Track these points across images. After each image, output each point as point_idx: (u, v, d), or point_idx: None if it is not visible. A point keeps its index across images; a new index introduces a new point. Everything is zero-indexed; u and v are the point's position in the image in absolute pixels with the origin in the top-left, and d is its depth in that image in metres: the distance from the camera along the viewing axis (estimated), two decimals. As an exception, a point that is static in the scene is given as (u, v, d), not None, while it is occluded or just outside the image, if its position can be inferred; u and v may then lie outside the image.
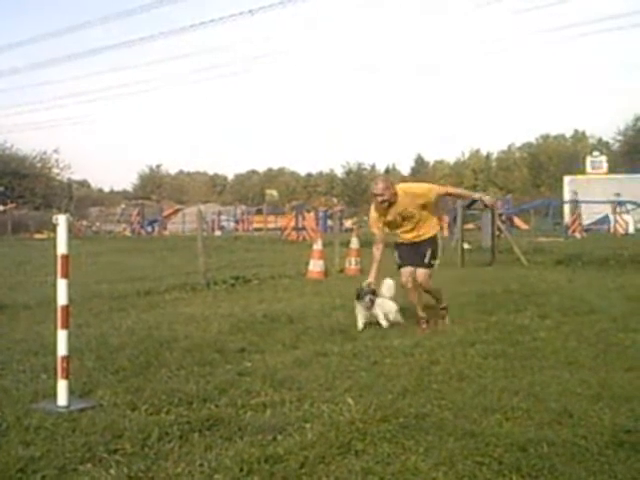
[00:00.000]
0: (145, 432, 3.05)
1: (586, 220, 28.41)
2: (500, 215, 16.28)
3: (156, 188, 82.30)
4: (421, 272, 5.86)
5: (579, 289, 8.41)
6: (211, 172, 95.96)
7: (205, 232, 13.96)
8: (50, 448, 2.89)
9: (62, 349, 3.62)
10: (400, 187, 5.82)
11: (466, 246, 13.76)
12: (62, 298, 3.64)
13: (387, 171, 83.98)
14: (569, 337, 5.27)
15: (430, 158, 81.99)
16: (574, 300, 7.29)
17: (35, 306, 7.10)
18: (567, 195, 34.50)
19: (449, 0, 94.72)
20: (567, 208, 31.12)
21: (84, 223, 38.67)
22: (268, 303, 7.48)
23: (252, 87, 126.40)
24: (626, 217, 27.30)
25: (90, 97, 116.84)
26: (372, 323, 5.81)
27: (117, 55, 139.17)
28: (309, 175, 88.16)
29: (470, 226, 21.44)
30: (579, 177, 37.15)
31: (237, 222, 39.18)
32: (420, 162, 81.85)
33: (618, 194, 28.95)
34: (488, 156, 77.19)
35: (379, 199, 5.72)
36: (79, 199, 50.63)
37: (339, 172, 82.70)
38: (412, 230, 5.87)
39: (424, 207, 5.82)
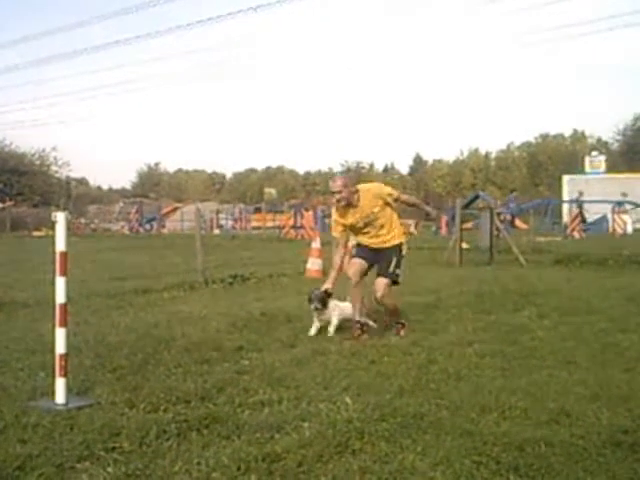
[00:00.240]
0: (143, 430, 3.05)
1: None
2: (499, 215, 16.27)
3: (154, 186, 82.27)
4: (381, 281, 5.44)
5: (577, 289, 8.42)
6: (210, 170, 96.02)
7: (203, 230, 13.97)
8: (48, 446, 2.89)
9: (60, 347, 3.62)
10: (360, 187, 5.51)
11: (464, 246, 13.76)
12: (60, 296, 3.64)
13: (386, 170, 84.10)
14: (567, 337, 5.28)
15: (429, 157, 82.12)
16: (572, 300, 7.30)
17: (33, 304, 7.09)
18: (566, 195, 34.48)
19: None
20: (566, 208, 31.10)
21: (82, 221, 38.57)
22: (266, 302, 7.48)
23: (251, 85, 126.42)
24: (624, 217, 27.30)
25: (89, 95, 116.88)
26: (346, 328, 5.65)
27: (116, 53, 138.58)
28: (308, 174, 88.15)
29: (468, 225, 21.41)
30: (578, 177, 37.15)
31: (235, 220, 39.12)
32: (419, 161, 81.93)
33: (625, 194, 28.89)
34: (487, 155, 77.26)
35: (337, 197, 5.41)
36: (77, 197, 50.60)
37: (338, 171, 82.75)
38: (376, 236, 5.54)
39: (386, 211, 5.50)
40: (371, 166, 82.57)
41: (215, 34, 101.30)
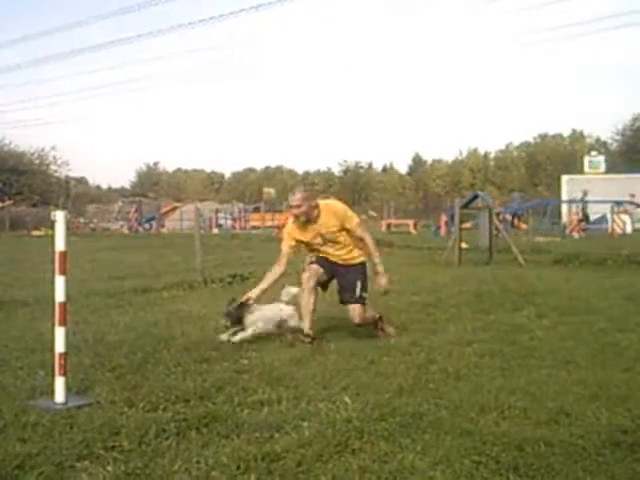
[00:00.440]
0: (142, 429, 3.05)
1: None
2: (498, 214, 16.27)
3: (153, 185, 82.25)
4: (355, 309, 5.18)
5: (576, 289, 8.42)
6: (208, 170, 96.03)
7: (202, 230, 13.96)
8: (47, 445, 2.88)
9: (60, 346, 3.61)
10: (321, 202, 5.17)
11: (464, 245, 13.77)
12: (60, 295, 3.63)
13: (384, 170, 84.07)
14: (566, 337, 5.28)
15: (428, 157, 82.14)
16: (571, 300, 7.30)
17: (33, 303, 7.08)
18: (565, 195, 34.48)
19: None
20: (565, 208, 31.11)
21: (81, 220, 38.57)
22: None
23: (250, 85, 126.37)
24: (623, 217, 27.32)
25: (88, 94, 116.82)
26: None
27: (115, 52, 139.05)
28: (307, 173, 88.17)
29: (467, 225, 21.41)
30: (577, 177, 37.16)
31: (234, 220, 39.13)
32: (418, 161, 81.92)
33: (633, 195, 28.85)
34: (486, 155, 77.30)
35: (294, 212, 5.07)
36: (77, 196, 50.61)
37: (336, 170, 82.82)
38: (334, 255, 5.23)
39: (347, 233, 5.18)
40: (370, 166, 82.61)
41: (214, 33, 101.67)
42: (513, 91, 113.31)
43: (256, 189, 72.98)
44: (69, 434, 3.02)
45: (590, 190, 29.53)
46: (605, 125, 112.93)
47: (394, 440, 2.96)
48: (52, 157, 53.60)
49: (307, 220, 5.10)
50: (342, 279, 5.28)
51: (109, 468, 2.65)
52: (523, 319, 6.13)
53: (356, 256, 5.29)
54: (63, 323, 3.64)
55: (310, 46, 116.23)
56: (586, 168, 37.90)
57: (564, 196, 34.61)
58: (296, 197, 5.04)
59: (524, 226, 27.05)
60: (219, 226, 37.15)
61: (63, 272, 3.64)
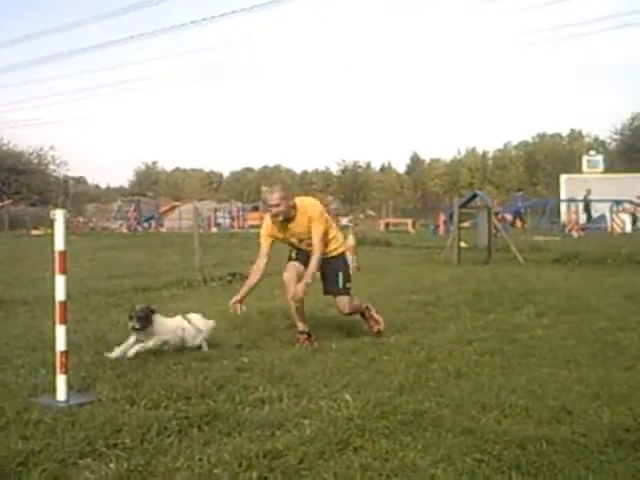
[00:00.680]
0: (144, 427, 3.06)
1: (583, 219, 28.44)
2: (496, 214, 16.27)
3: (152, 185, 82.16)
4: (342, 300, 5.19)
5: (576, 288, 8.41)
6: (207, 169, 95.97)
7: (201, 229, 13.95)
8: (50, 442, 2.89)
9: (61, 344, 3.62)
10: (298, 200, 5.12)
11: (462, 244, 13.77)
12: (60, 294, 3.63)
13: (382, 169, 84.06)
14: (567, 335, 5.28)
15: (426, 156, 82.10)
16: (571, 299, 7.29)
17: (33, 302, 7.09)
18: (564, 194, 34.47)
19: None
20: (564, 207, 31.13)
21: (81, 219, 38.57)
22: (265, 300, 7.47)
23: (248, 84, 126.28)
24: (623, 216, 27.33)
25: (86, 94, 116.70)
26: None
27: (113, 52, 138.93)
28: (305, 172, 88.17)
29: (466, 224, 21.41)
30: (576, 176, 37.18)
31: (233, 219, 39.12)
32: (416, 160, 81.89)
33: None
34: (484, 154, 77.27)
35: (273, 211, 5.00)
36: (76, 195, 50.61)
37: (335, 170, 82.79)
38: (310, 250, 5.14)
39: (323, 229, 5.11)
40: (368, 165, 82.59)
41: (213, 34, 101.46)
42: (511, 90, 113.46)
43: (254, 188, 72.95)
44: (71, 431, 3.03)
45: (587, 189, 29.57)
46: (603, 124, 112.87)
47: (395, 438, 2.97)
48: (51, 157, 53.64)
49: (284, 219, 5.05)
50: (324, 272, 5.25)
51: (112, 465, 2.66)
52: (523, 318, 6.13)
53: (334, 248, 5.27)
54: (64, 321, 3.64)
55: (309, 46, 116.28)
56: (584, 167, 37.90)
57: (563, 195, 34.60)
58: (275, 196, 4.97)
59: (519, 224, 27.05)
60: (218, 225, 37.14)
61: (63, 271, 3.63)
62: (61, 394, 3.52)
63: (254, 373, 4.10)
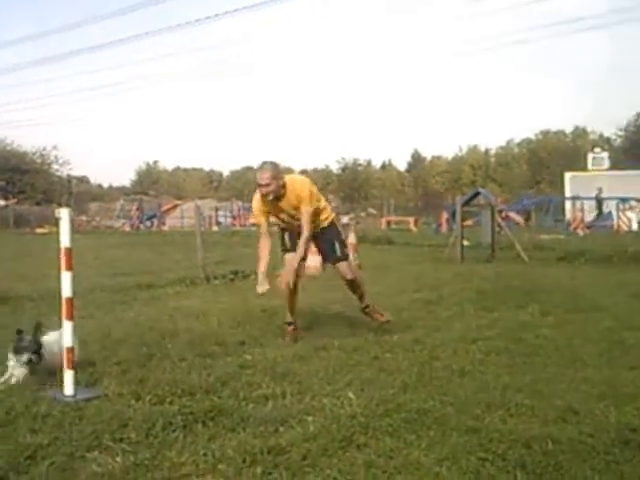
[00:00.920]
0: (150, 422, 3.07)
1: (588, 217, 28.38)
2: (500, 212, 16.24)
3: (153, 184, 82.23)
4: (343, 265, 5.25)
5: (582, 286, 8.35)
6: (207, 168, 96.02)
7: (203, 227, 13.97)
8: (58, 436, 2.92)
9: (67, 340, 3.64)
10: (287, 178, 5.08)
11: (465, 243, 13.76)
12: (66, 290, 3.65)
13: (383, 166, 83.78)
14: (572, 334, 5.23)
15: (427, 153, 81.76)
16: (577, 297, 7.24)
17: (39, 298, 7.11)
18: (568, 192, 34.39)
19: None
20: (569, 205, 31.05)
21: (84, 218, 38.66)
22: (267, 298, 7.40)
23: (248, 83, 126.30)
24: (629, 214, 27.25)
25: (87, 94, 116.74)
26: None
27: (113, 52, 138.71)
28: (304, 171, 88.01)
29: (469, 222, 21.37)
30: (580, 174, 37.04)
31: (234, 217, 39.16)
32: (417, 157, 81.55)
33: None
34: (486, 152, 76.93)
35: (263, 191, 4.95)
36: (79, 194, 50.71)
37: (335, 168, 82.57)
38: (298, 224, 5.14)
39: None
40: (368, 163, 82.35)
41: (212, 32, 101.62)
42: (514, 87, 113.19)
43: (254, 187, 72.73)
44: (79, 426, 3.05)
45: (593, 187, 29.51)
46: (608, 121, 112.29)
47: (399, 436, 2.96)
48: (54, 156, 53.96)
49: (274, 198, 5.03)
50: (319, 243, 5.31)
51: (118, 459, 2.68)
52: (528, 316, 6.09)
53: (324, 218, 5.29)
54: (70, 317, 3.66)
55: (309, 44, 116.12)
56: (590, 165, 37.76)
57: (567, 193, 34.50)
58: (265, 176, 4.92)
59: (523, 222, 26.95)
60: (219, 224, 37.17)
61: (69, 268, 3.66)
62: (68, 389, 3.55)
63: (257, 370, 4.11)
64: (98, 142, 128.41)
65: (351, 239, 11.83)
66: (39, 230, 29.11)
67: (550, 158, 67.57)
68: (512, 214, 27.85)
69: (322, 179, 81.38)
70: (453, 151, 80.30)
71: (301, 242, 5.07)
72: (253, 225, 34.10)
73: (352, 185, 74.48)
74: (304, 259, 5.21)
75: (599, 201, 28.63)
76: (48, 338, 4.01)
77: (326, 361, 4.36)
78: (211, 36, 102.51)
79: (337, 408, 3.34)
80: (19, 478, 2.53)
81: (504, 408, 3.33)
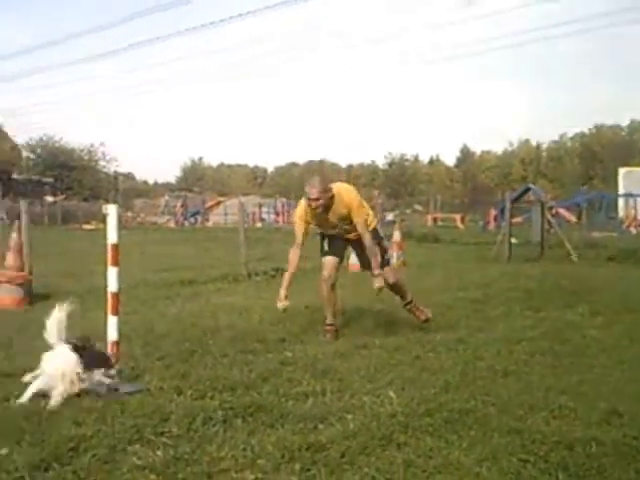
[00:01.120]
0: (190, 416, 3.11)
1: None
2: (550, 208, 15.87)
3: (197, 180, 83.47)
4: (385, 271, 5.18)
5: (632, 286, 8.14)
6: (252, 164, 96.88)
7: (246, 224, 14.08)
8: (101, 428, 2.97)
9: (112, 334, 3.71)
10: (336, 189, 5.03)
11: (513, 241, 13.50)
12: (112, 285, 3.72)
13: (431, 162, 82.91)
14: (621, 335, 5.12)
15: (477, 148, 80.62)
16: (627, 298, 7.05)
17: (85, 294, 7.26)
18: (622, 188, 33.32)
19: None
20: (622, 202, 30.10)
21: (129, 214, 39.47)
22: (309, 294, 7.46)
23: (293, 79, 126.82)
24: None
25: (135, 91, 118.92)
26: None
27: (160, 49, 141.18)
28: (350, 166, 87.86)
29: (518, 220, 20.96)
30: (636, 169, 35.82)
31: (277, 214, 39.39)
32: (466, 152, 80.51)
33: None
34: (538, 146, 75.28)
35: (313, 205, 4.93)
36: (125, 191, 51.75)
37: (381, 163, 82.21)
38: (347, 232, 5.22)
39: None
40: (416, 158, 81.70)
41: (257, 28, 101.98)
42: (568, 80, 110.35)
43: (299, 183, 73.11)
44: (121, 419, 3.10)
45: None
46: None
47: (439, 435, 2.94)
48: (101, 153, 55.12)
49: (324, 209, 5.01)
50: (360, 249, 5.29)
51: (159, 453, 2.71)
52: (575, 317, 5.97)
53: (367, 225, 5.23)
54: (116, 312, 3.73)
55: (356, 38, 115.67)
56: (646, 160, 36.47)
57: (621, 189, 33.42)
58: (314, 190, 4.91)
59: (573, 219, 26.29)
60: (262, 220, 37.46)
61: (116, 263, 3.72)
62: (112, 383, 3.58)
63: (298, 367, 4.12)
64: (144, 139, 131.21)
65: (395, 237, 11.74)
66: (86, 226, 29.82)
67: (604, 153, 65.68)
68: (562, 211, 27.21)
69: (368, 175, 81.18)
70: (503, 146, 79.01)
71: (368, 253, 5.10)
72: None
73: (399, 180, 73.99)
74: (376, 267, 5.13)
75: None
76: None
77: (367, 359, 4.35)
78: (255, 31, 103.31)
79: (377, 406, 3.33)
80: (62, 469, 2.58)
81: (547, 410, 3.27)
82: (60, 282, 8.33)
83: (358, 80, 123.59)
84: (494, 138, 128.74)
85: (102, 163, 55.54)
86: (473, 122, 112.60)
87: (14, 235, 7.01)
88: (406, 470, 2.59)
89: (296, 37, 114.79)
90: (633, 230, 24.22)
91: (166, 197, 48.02)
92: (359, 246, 5.27)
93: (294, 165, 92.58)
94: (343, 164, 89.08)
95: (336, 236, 5.25)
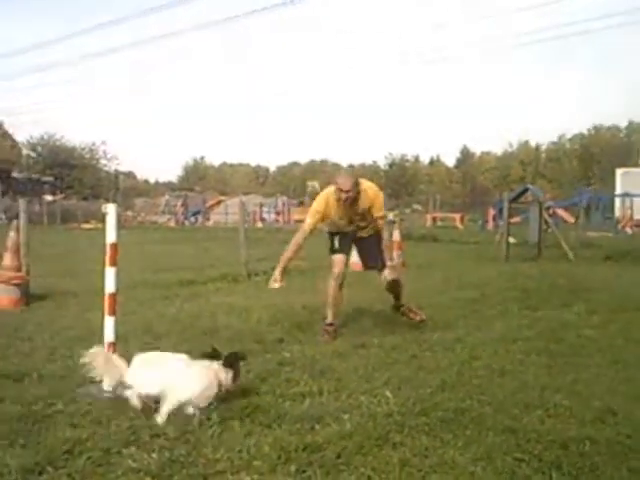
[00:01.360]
0: (187, 418, 3.11)
1: (638, 214, 27.54)
2: (547, 209, 15.92)
3: (199, 179, 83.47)
4: (387, 268, 5.28)
5: (628, 286, 8.18)
6: (253, 164, 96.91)
7: (247, 224, 14.07)
8: (96, 431, 2.97)
9: (109, 335, 3.70)
10: (362, 184, 5.21)
11: (511, 240, 13.53)
12: (110, 286, 3.72)
13: (431, 162, 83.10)
14: (616, 335, 5.15)
15: (476, 149, 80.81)
16: (622, 297, 7.10)
17: (83, 293, 7.27)
18: (619, 189, 33.41)
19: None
20: (618, 202, 30.18)
21: (130, 213, 39.43)
22: (308, 295, 7.49)
23: (294, 79, 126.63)
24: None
25: (136, 90, 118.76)
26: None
27: (159, 47, 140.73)
28: (351, 166, 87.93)
29: (516, 219, 20.99)
30: (632, 170, 35.91)
31: (278, 214, 39.35)
32: (466, 153, 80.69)
33: None
34: (537, 148, 75.54)
35: (344, 196, 5.05)
36: (125, 190, 51.68)
37: (382, 163, 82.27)
38: (359, 228, 5.36)
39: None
40: (416, 159, 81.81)
41: (257, 27, 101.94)
42: (567, 82, 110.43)
43: (301, 183, 73.25)
44: (117, 421, 3.10)
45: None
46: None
47: (435, 435, 2.96)
48: (102, 152, 55.07)
49: (350, 203, 5.13)
50: (365, 248, 5.43)
51: (154, 455, 2.72)
52: (571, 316, 6.00)
53: (372, 226, 5.39)
54: (113, 313, 3.73)
55: (355, 38, 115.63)
56: (643, 161, 36.60)
57: (618, 190, 33.50)
58: (349, 183, 5.06)
59: (567, 217, 26.32)
60: (263, 220, 37.44)
61: (114, 263, 3.71)
62: (108, 384, 3.54)
63: (296, 367, 4.13)
64: (146, 137, 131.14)
65: (395, 237, 11.74)
66: (85, 225, 29.77)
67: (602, 154, 65.95)
68: (560, 211, 27.25)
69: (369, 175, 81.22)
70: (503, 147, 79.19)
71: (382, 247, 5.34)
72: (298, 222, 34.29)
73: (399, 181, 74.00)
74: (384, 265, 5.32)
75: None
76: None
77: (365, 359, 4.37)
78: (254, 30, 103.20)
79: (374, 406, 3.35)
80: (57, 472, 2.58)
81: (542, 408, 3.30)
82: (58, 282, 8.31)
83: (359, 80, 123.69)
84: (494, 139, 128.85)
85: (103, 162, 55.62)
86: (473, 123, 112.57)
87: (12, 234, 6.97)
88: (402, 470, 2.61)
89: (297, 37, 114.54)
90: (629, 230, 24.24)
91: (167, 196, 47.99)
92: (366, 244, 5.39)
93: (296, 164, 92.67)
94: (344, 164, 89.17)
95: (347, 234, 5.35)
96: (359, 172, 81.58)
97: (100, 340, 3.80)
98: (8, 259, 6.89)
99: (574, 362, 4.30)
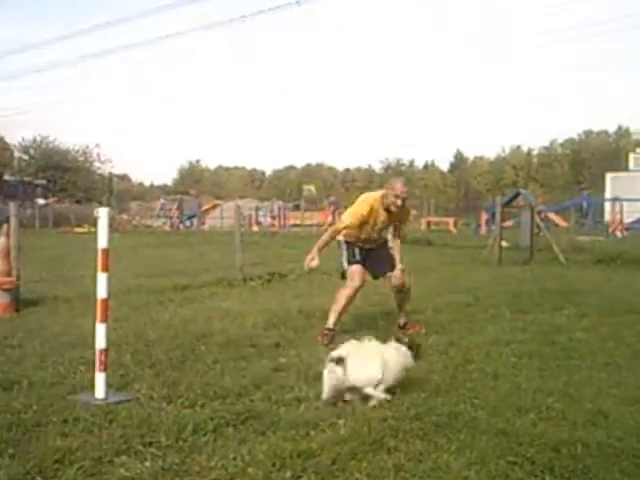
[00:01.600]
0: (180, 425, 3.09)
1: (628, 218, 27.69)
2: (539, 213, 15.97)
3: (195, 183, 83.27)
4: (399, 271, 5.40)
5: (618, 289, 8.22)
6: (249, 167, 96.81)
7: (243, 227, 14.04)
8: (87, 439, 2.93)
9: (101, 342, 3.67)
10: None
11: (504, 244, 13.57)
12: (102, 292, 3.69)
13: (426, 167, 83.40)
14: (607, 338, 5.19)
15: (470, 154, 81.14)
16: (613, 300, 7.14)
17: (75, 299, 7.21)
18: (609, 193, 33.66)
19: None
20: (608, 206, 30.36)
21: (124, 217, 39.26)
22: (304, 299, 7.50)
23: (291, 83, 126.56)
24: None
25: (132, 92, 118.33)
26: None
27: (155, 50, 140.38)
28: (347, 170, 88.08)
29: (508, 223, 21.06)
30: (621, 174, 36.19)
31: (274, 218, 39.27)
32: (459, 158, 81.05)
33: None
34: (529, 152, 76.09)
35: (399, 203, 5.16)
36: (119, 193, 51.50)
37: (377, 167, 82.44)
38: (379, 237, 5.49)
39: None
40: (411, 163, 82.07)
41: (257, 29, 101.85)
42: (558, 87, 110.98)
43: (296, 186, 73.22)
44: (108, 429, 3.07)
45: (635, 188, 28.76)
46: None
47: (429, 439, 2.96)
48: (96, 154, 54.75)
49: (397, 209, 5.23)
50: (376, 256, 5.49)
51: (147, 463, 2.70)
52: (563, 319, 6.04)
53: (384, 235, 5.58)
54: (104, 320, 3.70)
55: (354, 43, 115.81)
56: (631, 165, 36.91)
57: (608, 194, 33.74)
58: (406, 189, 5.22)
59: (564, 224, 26.44)
60: (259, 224, 37.35)
61: (105, 269, 3.69)
62: (100, 392, 3.57)
63: (291, 373, 4.13)
64: (141, 140, 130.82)
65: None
66: (78, 229, 29.53)
67: (592, 159, 66.49)
68: (552, 215, 27.34)
69: (364, 179, 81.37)
70: (496, 152, 79.62)
71: (399, 247, 5.55)
72: (294, 226, 34.21)
73: (394, 185, 74.13)
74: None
75: None
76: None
77: (359, 364, 4.35)
78: (253, 31, 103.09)
79: (368, 411, 3.35)
80: (47, 482, 2.55)
81: (535, 412, 3.32)
82: (49, 287, 8.26)
83: (355, 85, 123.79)
84: (487, 144, 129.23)
85: (97, 164, 55.30)
86: (467, 128, 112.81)
87: (2, 239, 6.91)
88: (396, 475, 2.61)
89: (295, 39, 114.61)
90: (619, 234, 24.35)
91: (162, 200, 47.81)
92: (375, 254, 5.47)
93: (292, 168, 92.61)
94: (340, 168, 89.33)
95: (365, 245, 5.43)
96: (355, 176, 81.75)
97: (92, 346, 3.79)
98: (-2, 263, 6.82)
99: (566, 365, 4.33)
